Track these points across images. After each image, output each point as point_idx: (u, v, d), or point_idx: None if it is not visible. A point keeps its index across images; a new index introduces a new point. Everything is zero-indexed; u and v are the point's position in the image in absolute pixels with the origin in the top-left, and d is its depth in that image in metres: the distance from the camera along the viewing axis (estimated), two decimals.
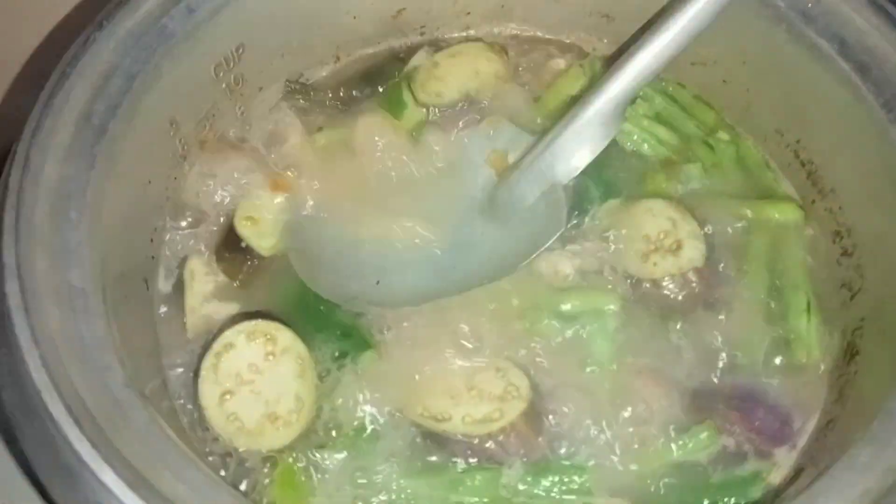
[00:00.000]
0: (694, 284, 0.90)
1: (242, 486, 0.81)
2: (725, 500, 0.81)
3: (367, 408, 0.83)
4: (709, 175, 0.98)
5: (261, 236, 0.94)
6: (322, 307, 0.89)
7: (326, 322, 0.88)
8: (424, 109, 1.03)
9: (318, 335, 0.86)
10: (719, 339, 0.89)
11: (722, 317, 0.90)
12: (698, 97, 1.05)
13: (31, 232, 0.71)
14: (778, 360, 0.88)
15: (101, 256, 0.74)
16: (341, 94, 1.05)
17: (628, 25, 1.04)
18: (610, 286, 0.90)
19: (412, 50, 1.09)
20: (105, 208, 0.76)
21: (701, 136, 1.01)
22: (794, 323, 0.89)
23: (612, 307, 0.88)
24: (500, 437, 0.82)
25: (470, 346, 0.86)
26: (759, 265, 0.92)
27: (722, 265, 0.92)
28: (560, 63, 1.07)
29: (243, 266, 0.93)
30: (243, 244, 0.93)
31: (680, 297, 0.90)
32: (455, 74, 1.04)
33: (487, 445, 0.82)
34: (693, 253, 0.90)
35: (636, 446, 0.83)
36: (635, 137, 0.99)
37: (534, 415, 0.83)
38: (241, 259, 0.93)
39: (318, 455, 0.82)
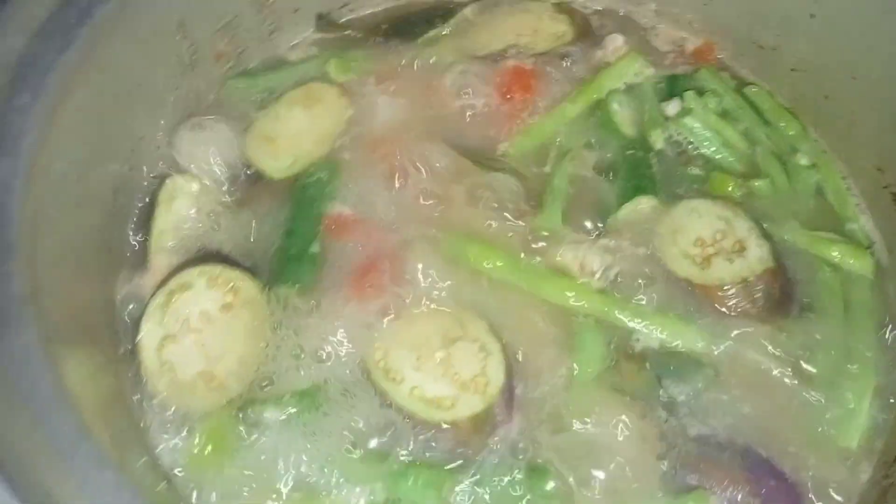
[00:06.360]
0: (767, 290, 0.76)
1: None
2: None
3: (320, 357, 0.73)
4: (777, 193, 0.83)
5: (276, 156, 0.84)
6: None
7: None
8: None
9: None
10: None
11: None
12: (788, 109, 0.90)
13: None
14: (816, 435, 0.72)
15: (58, 150, 0.65)
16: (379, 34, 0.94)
17: None
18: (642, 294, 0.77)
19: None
20: (72, 99, 0.66)
21: (774, 149, 0.86)
22: (854, 402, 0.73)
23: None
24: (442, 433, 0.70)
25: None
26: (835, 308, 0.77)
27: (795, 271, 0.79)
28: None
29: (244, 189, 0.83)
30: (251, 171, 0.83)
31: (747, 307, 0.76)
32: (510, 26, 0.91)
33: (424, 436, 0.71)
34: (761, 252, 0.76)
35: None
36: (698, 135, 0.85)
37: (484, 422, 0.70)
38: (245, 183, 0.84)
39: (251, 414, 0.71)
